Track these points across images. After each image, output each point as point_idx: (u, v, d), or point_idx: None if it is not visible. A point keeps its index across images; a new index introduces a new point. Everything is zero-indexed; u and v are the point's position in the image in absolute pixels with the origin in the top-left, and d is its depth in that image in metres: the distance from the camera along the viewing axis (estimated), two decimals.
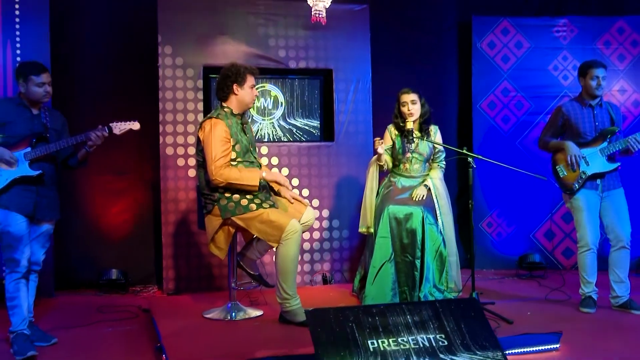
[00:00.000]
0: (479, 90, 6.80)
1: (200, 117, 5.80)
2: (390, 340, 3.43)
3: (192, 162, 5.78)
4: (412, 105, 4.95)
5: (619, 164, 4.88)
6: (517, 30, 6.79)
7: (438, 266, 4.82)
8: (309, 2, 4.41)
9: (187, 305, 5.15)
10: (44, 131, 4.21)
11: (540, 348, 3.97)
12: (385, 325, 3.49)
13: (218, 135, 4.35)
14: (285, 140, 6.11)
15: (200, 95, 5.82)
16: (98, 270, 5.96)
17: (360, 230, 5.18)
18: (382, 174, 5.35)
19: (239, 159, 4.44)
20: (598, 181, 4.87)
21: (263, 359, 3.60)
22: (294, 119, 6.16)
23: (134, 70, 6.15)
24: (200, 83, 5.82)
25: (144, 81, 6.07)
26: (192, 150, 5.78)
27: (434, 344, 3.44)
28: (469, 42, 6.84)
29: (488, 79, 6.79)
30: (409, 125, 4.86)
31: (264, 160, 5.79)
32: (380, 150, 4.89)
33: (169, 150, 5.76)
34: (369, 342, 3.39)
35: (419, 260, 4.78)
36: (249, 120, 5.43)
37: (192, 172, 5.78)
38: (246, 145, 4.52)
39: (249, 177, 4.34)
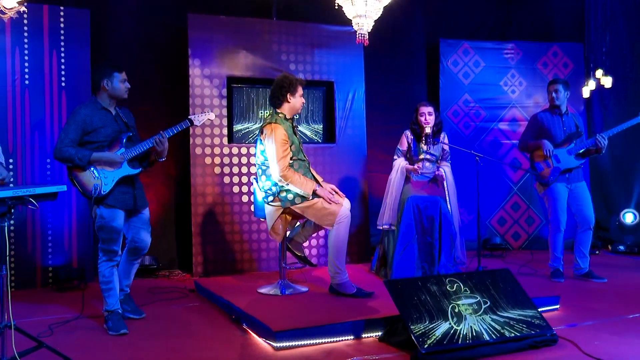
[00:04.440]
0: (445, 100, 7.50)
1: (225, 120, 6.14)
2: (457, 303, 3.94)
3: (217, 160, 6.11)
4: (428, 116, 5.54)
5: (583, 161, 5.65)
6: (475, 52, 7.54)
7: (449, 246, 5.44)
8: (354, 27, 4.87)
9: (231, 285, 5.46)
10: (127, 130, 4.37)
11: (545, 308, 4.62)
12: (450, 291, 4.02)
13: (279, 138, 4.73)
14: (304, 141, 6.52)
15: (224, 102, 6.14)
16: None
17: (382, 227, 5.71)
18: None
19: (294, 157, 4.83)
20: (567, 175, 5.64)
21: (354, 322, 4.02)
22: (302, 123, 6.58)
23: (168, 80, 6.41)
24: (224, 91, 6.15)
25: (177, 89, 6.34)
26: (217, 150, 6.11)
27: (489, 305, 4.00)
28: (437, 60, 7.53)
29: (452, 91, 7.52)
30: (427, 129, 5.45)
31: None
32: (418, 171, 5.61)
33: (198, 150, 6.04)
34: (444, 305, 3.89)
35: (437, 241, 5.38)
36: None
37: (217, 170, 6.10)
38: (298, 145, 4.92)
39: (307, 185, 4.75)
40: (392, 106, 7.24)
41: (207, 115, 4.65)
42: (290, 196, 4.78)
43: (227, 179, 6.15)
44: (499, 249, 7.22)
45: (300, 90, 4.92)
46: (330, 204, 4.78)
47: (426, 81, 7.68)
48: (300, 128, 6.55)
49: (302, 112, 6.57)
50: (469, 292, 4.07)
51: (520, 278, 5.62)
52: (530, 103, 7.53)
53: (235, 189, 6.17)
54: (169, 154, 6.20)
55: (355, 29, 4.88)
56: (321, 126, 6.68)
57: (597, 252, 7.16)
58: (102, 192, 4.18)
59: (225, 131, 6.15)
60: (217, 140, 6.11)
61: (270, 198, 4.84)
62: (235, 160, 6.17)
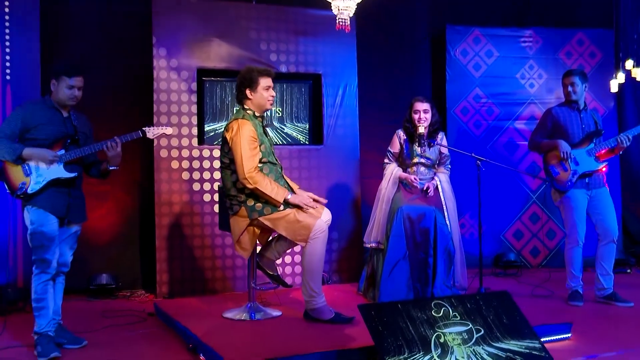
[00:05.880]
0: (453, 96, 7.36)
1: (194, 119, 6.02)
2: (444, 331, 3.78)
3: (185, 164, 5.98)
4: (424, 114, 5.42)
5: (605, 163, 5.46)
6: (488, 40, 7.39)
7: (446, 264, 5.27)
8: (333, 11, 4.74)
9: (196, 308, 5.34)
10: (75, 133, 4.38)
11: (555, 337, 4.46)
12: (436, 317, 3.85)
13: (246, 135, 4.60)
14: (275, 143, 6.35)
15: (194, 98, 6.02)
16: (86, 275, 6.02)
17: (369, 245, 5.58)
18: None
19: (264, 160, 4.71)
20: (586, 180, 5.46)
21: (323, 352, 3.87)
22: (284, 122, 6.47)
23: (128, 72, 6.32)
24: (194, 85, 6.03)
25: (138, 83, 6.24)
26: (186, 153, 5.99)
27: (482, 334, 3.83)
28: (443, 50, 7.39)
29: (461, 85, 7.37)
30: (421, 129, 5.30)
31: None
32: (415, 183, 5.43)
33: (163, 153, 5.92)
34: (426, 334, 3.73)
35: (431, 258, 5.23)
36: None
37: (186, 175, 5.98)
38: (268, 147, 4.79)
39: (277, 192, 4.60)
40: (390, 102, 7.09)
41: (163, 129, 4.66)
42: (258, 206, 4.63)
43: (196, 186, 6.02)
44: (513, 267, 7.03)
45: (263, 83, 4.76)
46: (305, 213, 4.64)
47: (431, 74, 7.55)
48: (285, 128, 6.43)
49: (286, 109, 6.46)
50: (458, 318, 3.90)
51: (532, 301, 5.56)
52: (552, 98, 7.34)
53: (207, 197, 6.03)
54: (133, 157, 6.22)
55: (335, 14, 4.74)
56: (307, 125, 6.54)
57: (628, 270, 6.97)
58: (28, 190, 4.18)
59: (195, 131, 6.02)
60: (185, 142, 5.99)
61: (236, 207, 4.70)
62: (206, 164, 6.04)
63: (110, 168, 4.47)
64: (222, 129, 6.00)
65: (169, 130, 4.69)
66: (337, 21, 4.74)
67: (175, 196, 5.96)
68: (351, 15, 4.76)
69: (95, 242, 6.19)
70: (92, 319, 5.16)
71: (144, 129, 4.56)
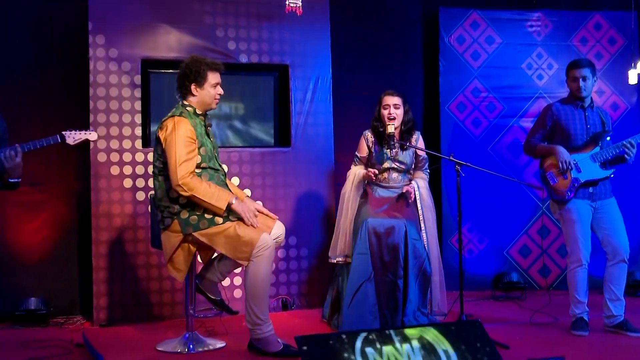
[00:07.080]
0: (447, 90, 7.15)
1: (138, 118, 5.87)
2: None
3: (128, 170, 5.82)
4: (394, 110, 5.28)
5: (612, 170, 5.21)
6: (488, 24, 7.17)
7: (421, 287, 5.05)
8: None
9: (130, 339, 5.19)
10: None
11: None
12: (388, 352, 3.62)
13: (182, 135, 4.45)
14: (235, 145, 6.24)
15: (137, 93, 5.87)
16: (12, 299, 5.85)
17: (335, 260, 5.41)
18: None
19: (204, 164, 4.55)
20: (590, 189, 5.20)
21: None
22: (245, 121, 6.31)
23: (60, 64, 6.17)
24: (137, 79, 5.88)
25: (72, 76, 6.11)
26: (128, 157, 5.84)
27: None
28: (436, 36, 7.19)
29: (457, 77, 7.16)
30: (390, 129, 5.11)
31: None
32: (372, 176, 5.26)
33: (101, 157, 5.76)
34: None
35: (401, 280, 5.04)
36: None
37: (128, 182, 5.81)
38: (210, 150, 4.64)
39: (219, 197, 4.42)
40: (372, 98, 6.63)
41: (86, 134, 4.64)
42: (193, 219, 4.45)
43: (140, 195, 5.85)
44: (517, 289, 6.76)
45: (212, 79, 4.65)
46: (248, 226, 4.45)
47: (422, 64, 7.34)
48: (252, 130, 6.26)
49: (248, 106, 6.31)
50: (415, 353, 3.67)
51: (529, 330, 5.39)
52: (563, 92, 6.99)
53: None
54: (70, 162, 6.06)
55: None
56: (272, 124, 6.39)
57: None
58: None
59: (138, 131, 5.87)
60: (127, 144, 5.83)
61: (168, 220, 4.52)
62: (152, 170, 5.86)
63: (11, 181, 4.33)
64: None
65: (93, 136, 4.66)
66: (287, 2, 4.54)
67: (115, 207, 5.79)
68: None
69: (24, 261, 6.02)
70: (9, 351, 4.97)
71: (63, 133, 4.48)
